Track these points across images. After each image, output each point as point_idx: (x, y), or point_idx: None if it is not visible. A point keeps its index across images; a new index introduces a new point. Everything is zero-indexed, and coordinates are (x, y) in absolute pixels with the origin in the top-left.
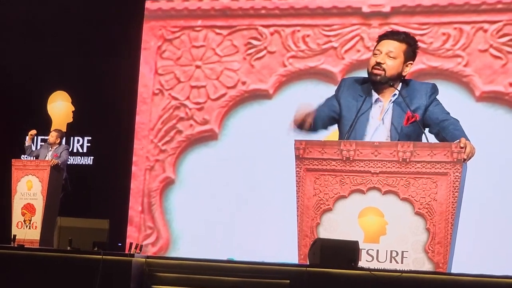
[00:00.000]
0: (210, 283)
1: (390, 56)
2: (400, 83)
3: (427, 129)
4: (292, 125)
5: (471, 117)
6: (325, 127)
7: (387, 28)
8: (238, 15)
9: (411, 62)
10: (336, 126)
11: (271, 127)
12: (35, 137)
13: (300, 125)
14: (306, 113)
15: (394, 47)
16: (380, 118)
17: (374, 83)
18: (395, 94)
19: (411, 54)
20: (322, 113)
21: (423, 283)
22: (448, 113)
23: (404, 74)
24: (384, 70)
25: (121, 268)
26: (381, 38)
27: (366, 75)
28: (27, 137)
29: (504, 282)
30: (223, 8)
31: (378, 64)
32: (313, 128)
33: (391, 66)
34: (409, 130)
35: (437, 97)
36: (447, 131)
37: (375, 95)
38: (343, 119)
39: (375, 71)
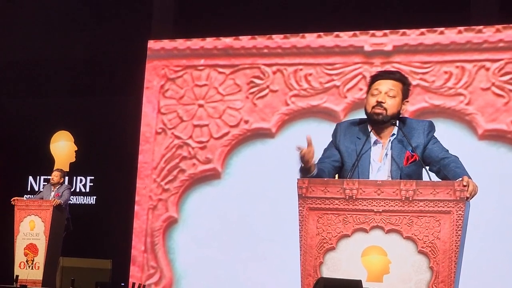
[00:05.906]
0: None
1: (390, 95)
2: (397, 122)
3: (427, 167)
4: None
5: (473, 155)
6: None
7: (389, 67)
8: (240, 54)
9: (407, 100)
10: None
11: (274, 166)
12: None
13: (307, 169)
14: (312, 163)
15: (392, 86)
16: (381, 159)
17: (375, 123)
18: (394, 134)
19: (406, 92)
20: (324, 165)
21: None
22: (447, 151)
23: (401, 112)
24: (385, 109)
25: None
26: (376, 78)
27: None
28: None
29: None
30: (225, 47)
31: (379, 103)
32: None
33: (391, 104)
34: (409, 170)
35: (436, 134)
36: (449, 169)
37: (373, 137)
38: (345, 165)
39: (377, 111)
